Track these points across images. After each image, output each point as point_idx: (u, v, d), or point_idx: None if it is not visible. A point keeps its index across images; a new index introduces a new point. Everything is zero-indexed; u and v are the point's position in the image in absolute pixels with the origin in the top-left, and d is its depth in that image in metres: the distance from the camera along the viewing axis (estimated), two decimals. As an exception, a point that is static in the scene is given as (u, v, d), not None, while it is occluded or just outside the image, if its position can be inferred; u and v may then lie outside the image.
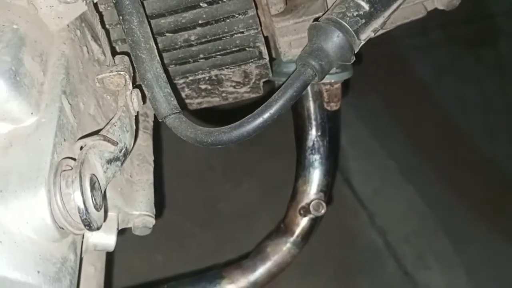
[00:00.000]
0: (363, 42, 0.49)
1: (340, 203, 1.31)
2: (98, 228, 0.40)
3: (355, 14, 0.48)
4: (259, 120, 0.47)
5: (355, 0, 0.49)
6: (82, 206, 0.38)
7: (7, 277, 0.36)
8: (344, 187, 1.42)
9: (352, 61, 0.49)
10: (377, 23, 0.49)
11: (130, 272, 1.22)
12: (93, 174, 0.41)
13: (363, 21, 0.48)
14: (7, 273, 0.36)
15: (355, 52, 0.49)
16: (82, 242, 0.46)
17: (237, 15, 0.57)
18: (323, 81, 0.70)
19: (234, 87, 0.68)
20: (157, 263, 1.27)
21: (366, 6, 0.48)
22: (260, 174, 1.40)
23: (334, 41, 0.48)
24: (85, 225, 0.39)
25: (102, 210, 0.41)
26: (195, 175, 1.38)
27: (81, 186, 0.38)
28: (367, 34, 0.49)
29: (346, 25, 0.48)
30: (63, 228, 0.39)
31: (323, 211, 0.73)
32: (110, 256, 0.61)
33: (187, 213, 1.32)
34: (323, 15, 0.51)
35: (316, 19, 0.51)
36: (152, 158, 0.64)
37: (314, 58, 0.48)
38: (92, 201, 0.39)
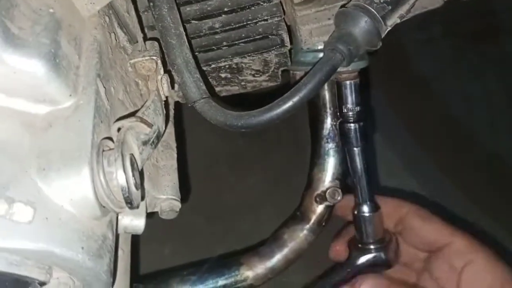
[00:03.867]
0: (389, 28, 0.50)
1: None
2: (137, 207, 0.41)
3: (382, 0, 0.49)
4: (289, 104, 0.48)
5: (381, -13, 0.50)
6: (125, 184, 0.39)
7: (54, 252, 0.37)
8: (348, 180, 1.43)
9: (379, 47, 0.51)
10: (403, 9, 0.50)
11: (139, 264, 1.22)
12: (132, 154, 0.42)
13: (390, 7, 0.49)
14: (54, 248, 0.37)
15: (382, 37, 0.50)
16: (117, 222, 0.47)
17: (261, 3, 0.58)
18: (340, 70, 0.71)
19: (253, 75, 0.69)
20: (164, 256, 1.27)
21: (393, -7, 0.49)
22: (265, 167, 1.41)
23: (362, 26, 0.49)
24: (126, 203, 0.40)
25: (140, 189, 0.42)
26: (201, 169, 1.39)
27: (123, 164, 0.39)
28: (393, 20, 0.50)
29: (373, 11, 0.49)
30: (105, 206, 0.40)
31: (339, 198, 0.75)
32: (136, 241, 0.61)
33: (193, 205, 1.32)
34: (348, 2, 0.52)
35: (342, 6, 0.52)
36: (175, 144, 0.64)
37: (342, 43, 0.49)
38: (133, 179, 0.40)
